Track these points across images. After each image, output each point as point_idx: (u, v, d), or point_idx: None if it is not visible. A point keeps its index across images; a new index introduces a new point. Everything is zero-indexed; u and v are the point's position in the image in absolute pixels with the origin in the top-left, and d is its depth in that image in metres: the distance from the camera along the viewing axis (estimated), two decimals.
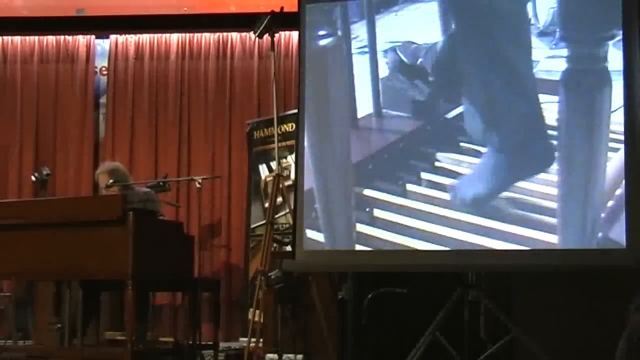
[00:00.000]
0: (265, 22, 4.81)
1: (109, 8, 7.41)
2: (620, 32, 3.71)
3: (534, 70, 3.85)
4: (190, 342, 5.25)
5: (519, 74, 3.90)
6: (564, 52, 3.81)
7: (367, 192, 4.15)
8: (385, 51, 4.20)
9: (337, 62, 4.28)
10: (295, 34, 6.88)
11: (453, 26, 4.06)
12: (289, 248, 5.42)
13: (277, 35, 5.11)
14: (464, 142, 3.96)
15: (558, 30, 3.82)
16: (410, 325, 4.13)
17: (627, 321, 2.24)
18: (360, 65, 4.23)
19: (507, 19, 3.97)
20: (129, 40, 7.74)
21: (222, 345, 5.92)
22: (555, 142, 3.79)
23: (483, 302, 3.95)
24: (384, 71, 4.20)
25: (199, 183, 5.92)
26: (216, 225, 7.37)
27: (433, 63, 4.08)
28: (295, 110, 5.01)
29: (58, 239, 4.69)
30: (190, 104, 7.60)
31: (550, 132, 3.81)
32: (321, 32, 4.33)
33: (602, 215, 3.67)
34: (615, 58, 3.72)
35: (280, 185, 4.85)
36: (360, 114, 4.22)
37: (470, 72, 4.00)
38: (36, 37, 7.78)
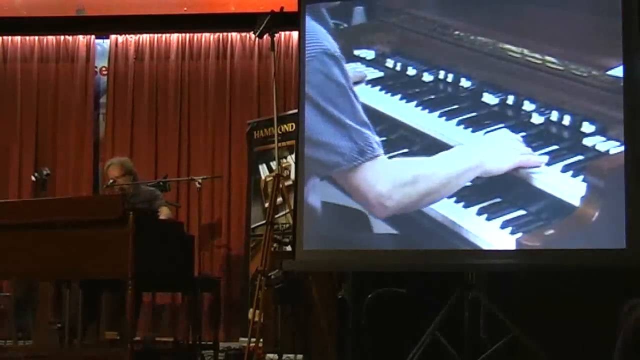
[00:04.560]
0: (265, 22, 4.81)
1: (109, 8, 7.41)
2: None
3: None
4: (190, 342, 5.25)
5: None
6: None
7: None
8: (386, 52, 4.21)
9: (337, 62, 4.28)
10: (295, 34, 6.89)
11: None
12: (289, 248, 5.42)
13: (277, 35, 5.11)
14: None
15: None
16: (410, 325, 4.12)
17: (621, 323, 2.26)
18: (360, 64, 4.24)
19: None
20: (129, 40, 7.75)
21: (222, 345, 5.92)
22: (556, 144, 3.80)
23: (483, 302, 3.95)
24: (384, 71, 4.21)
25: (199, 183, 5.93)
26: (216, 225, 7.38)
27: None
28: (295, 110, 5.01)
29: (58, 239, 4.68)
30: (190, 104, 7.61)
31: (550, 130, 3.81)
32: (321, 32, 4.33)
33: (602, 214, 3.67)
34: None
35: (280, 185, 4.85)
36: (360, 113, 4.22)
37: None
38: (36, 37, 7.79)
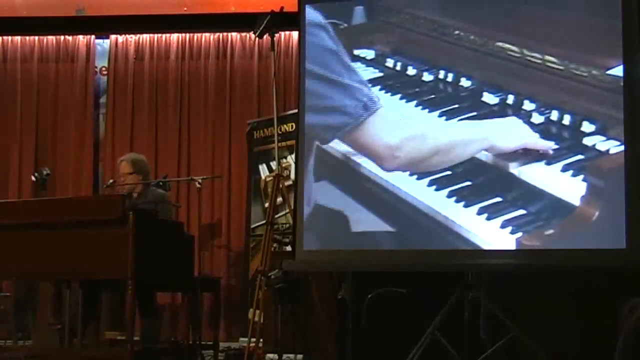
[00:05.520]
0: (265, 22, 4.81)
1: (109, 8, 7.41)
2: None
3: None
4: (190, 342, 5.25)
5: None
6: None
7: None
8: (386, 51, 4.21)
9: (325, 29, 4.28)
10: (295, 34, 6.89)
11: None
12: (289, 248, 5.42)
13: (277, 35, 5.11)
14: (463, 143, 3.96)
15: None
16: (410, 325, 4.12)
17: (621, 323, 2.26)
18: (360, 64, 4.24)
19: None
20: (129, 40, 7.75)
21: (222, 345, 5.92)
22: (556, 144, 3.79)
23: (483, 302, 3.95)
24: (384, 70, 4.21)
25: (199, 183, 5.93)
26: (216, 225, 7.38)
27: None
28: (295, 110, 5.01)
29: (58, 239, 4.68)
30: (190, 104, 7.62)
31: (550, 130, 3.81)
32: (321, 32, 4.32)
33: (602, 214, 3.67)
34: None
35: (280, 185, 4.85)
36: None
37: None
38: (36, 37, 7.79)
